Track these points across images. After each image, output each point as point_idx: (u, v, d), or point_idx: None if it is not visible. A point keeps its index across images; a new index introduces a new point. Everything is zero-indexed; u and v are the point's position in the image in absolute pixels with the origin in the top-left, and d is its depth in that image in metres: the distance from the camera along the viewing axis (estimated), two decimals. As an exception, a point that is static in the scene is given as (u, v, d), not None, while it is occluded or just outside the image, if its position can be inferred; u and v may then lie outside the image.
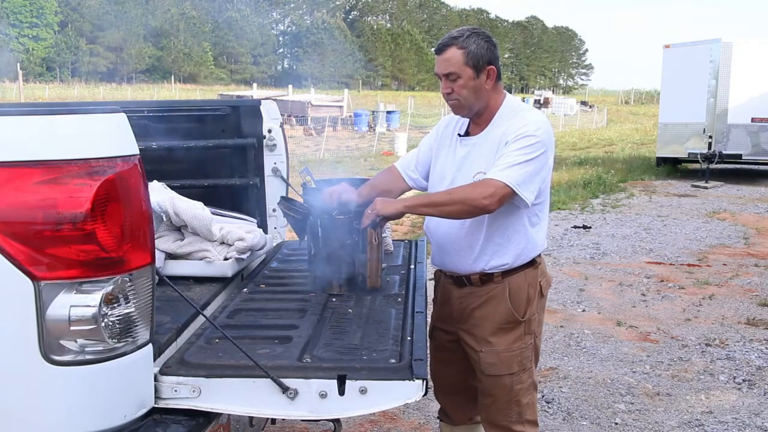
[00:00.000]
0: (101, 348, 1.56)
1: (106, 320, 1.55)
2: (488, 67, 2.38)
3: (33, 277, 1.48)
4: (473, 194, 2.27)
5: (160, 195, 2.70)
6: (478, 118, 2.48)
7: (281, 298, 2.52)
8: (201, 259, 2.65)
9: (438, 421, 2.92)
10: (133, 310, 1.60)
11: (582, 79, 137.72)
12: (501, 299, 2.46)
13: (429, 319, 2.67)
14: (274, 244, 3.34)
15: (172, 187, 2.85)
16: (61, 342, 1.52)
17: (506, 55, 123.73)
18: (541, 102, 48.69)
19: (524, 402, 2.51)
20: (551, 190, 2.66)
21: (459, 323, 2.57)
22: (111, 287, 1.55)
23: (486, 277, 2.47)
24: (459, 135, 2.54)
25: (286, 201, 2.81)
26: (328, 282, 2.56)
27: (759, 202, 11.85)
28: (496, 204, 2.27)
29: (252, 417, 2.25)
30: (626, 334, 5.19)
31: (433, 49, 2.48)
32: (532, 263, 2.50)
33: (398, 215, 2.42)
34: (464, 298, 2.53)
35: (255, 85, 55.52)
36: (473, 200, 2.26)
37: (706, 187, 13.56)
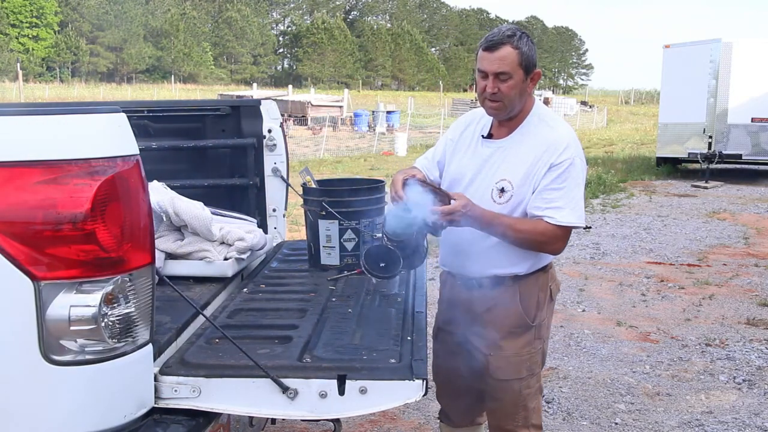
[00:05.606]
0: (101, 348, 1.56)
1: (106, 320, 1.54)
2: (536, 71, 2.33)
3: (33, 277, 1.47)
4: (547, 248, 2.35)
5: (160, 195, 2.70)
6: (506, 120, 2.40)
7: (281, 298, 2.52)
8: (201, 259, 2.65)
9: (438, 421, 2.92)
10: (133, 310, 1.60)
11: (582, 79, 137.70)
12: (512, 303, 2.42)
13: (432, 320, 2.67)
14: (274, 244, 3.35)
15: (172, 187, 2.84)
16: (61, 342, 1.52)
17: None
18: (542, 102, 48.62)
19: (531, 407, 2.49)
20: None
21: (467, 326, 2.51)
22: (111, 287, 1.55)
23: (497, 281, 2.42)
24: (482, 136, 2.45)
25: (386, 237, 2.41)
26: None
27: (759, 202, 11.85)
28: (565, 245, 2.39)
29: (252, 417, 2.25)
30: (626, 334, 5.19)
31: (480, 46, 2.32)
32: (543, 268, 2.47)
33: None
34: (474, 301, 2.47)
35: (255, 85, 55.65)
36: (545, 248, 2.36)
37: (706, 187, 13.56)
